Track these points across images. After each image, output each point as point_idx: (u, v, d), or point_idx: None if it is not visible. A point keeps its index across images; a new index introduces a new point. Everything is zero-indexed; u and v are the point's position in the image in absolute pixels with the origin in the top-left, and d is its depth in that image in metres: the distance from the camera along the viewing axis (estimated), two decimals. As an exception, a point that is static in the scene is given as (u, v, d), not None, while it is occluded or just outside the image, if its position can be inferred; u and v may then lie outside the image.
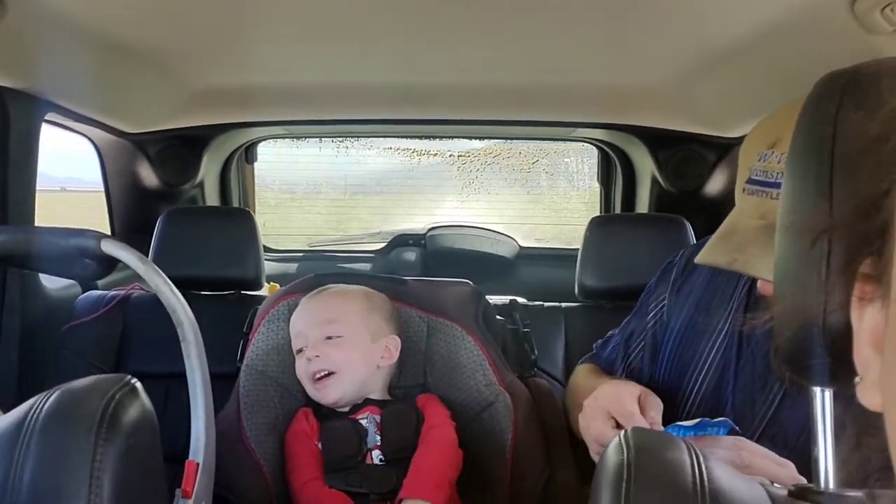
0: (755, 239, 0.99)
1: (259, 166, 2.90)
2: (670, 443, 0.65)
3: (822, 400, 0.65)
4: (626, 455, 0.63)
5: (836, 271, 0.52)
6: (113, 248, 1.08)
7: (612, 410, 1.04)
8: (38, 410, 0.60)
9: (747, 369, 1.10)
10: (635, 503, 0.60)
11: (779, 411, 1.05)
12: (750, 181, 1.03)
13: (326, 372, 1.34)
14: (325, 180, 3.23)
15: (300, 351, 1.37)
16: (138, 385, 0.66)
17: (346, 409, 1.37)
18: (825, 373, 0.60)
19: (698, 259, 1.08)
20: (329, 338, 1.35)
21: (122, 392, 0.63)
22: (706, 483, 0.60)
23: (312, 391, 1.36)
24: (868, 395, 0.43)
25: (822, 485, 0.65)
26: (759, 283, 1.05)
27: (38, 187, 1.69)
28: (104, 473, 0.57)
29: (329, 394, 1.34)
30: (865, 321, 0.42)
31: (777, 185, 0.98)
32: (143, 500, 0.64)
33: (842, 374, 0.58)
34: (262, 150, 2.87)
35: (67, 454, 0.58)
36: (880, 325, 0.41)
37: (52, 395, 0.62)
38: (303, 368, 1.36)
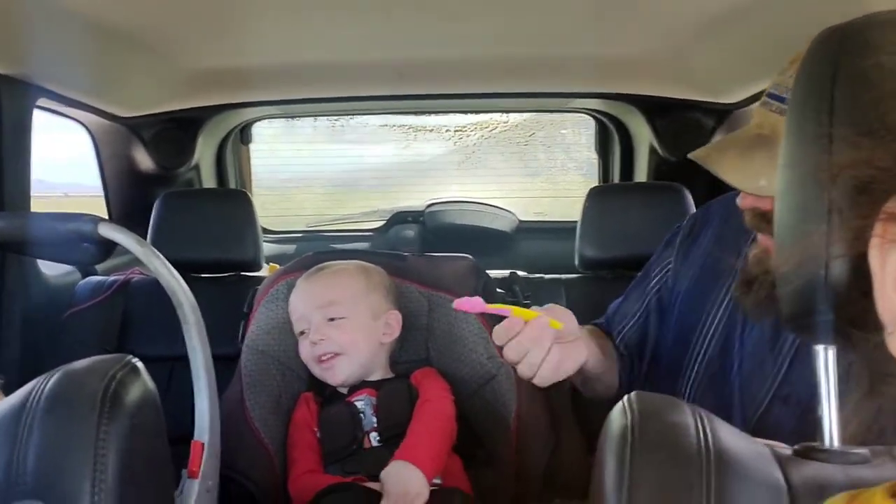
0: (739, 143, 1.01)
1: (255, 147, 2.89)
2: (673, 405, 0.65)
3: (826, 358, 0.65)
4: (629, 419, 0.63)
5: (850, 212, 0.51)
6: (110, 232, 1.08)
7: None
8: (39, 392, 0.60)
9: (755, 331, 1.08)
10: (640, 466, 0.60)
11: (790, 372, 1.03)
12: (766, 94, 1.02)
13: (332, 354, 1.33)
14: (321, 160, 3.22)
15: (302, 333, 1.36)
16: (139, 364, 0.66)
17: (345, 389, 1.37)
18: (828, 330, 0.60)
19: (691, 154, 1.07)
20: (331, 319, 1.34)
21: (122, 372, 0.63)
22: (710, 444, 0.60)
23: (318, 372, 1.35)
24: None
25: (827, 443, 0.65)
26: (738, 197, 1.02)
27: (41, 193, 1.69)
28: (108, 452, 0.57)
29: (336, 374, 1.34)
30: (891, 264, 0.40)
31: (780, 99, 0.98)
32: (148, 477, 0.64)
33: (846, 330, 0.58)
34: (257, 131, 2.86)
35: (71, 434, 0.58)
36: None
37: (52, 376, 0.62)
38: (307, 351, 1.35)
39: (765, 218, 0.98)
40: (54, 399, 0.60)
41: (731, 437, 0.63)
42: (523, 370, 1.04)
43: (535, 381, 1.05)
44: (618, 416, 0.65)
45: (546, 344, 1.02)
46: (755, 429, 0.98)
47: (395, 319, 1.39)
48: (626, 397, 0.67)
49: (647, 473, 0.60)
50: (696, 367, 1.14)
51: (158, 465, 0.67)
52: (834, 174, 0.53)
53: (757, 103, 1.04)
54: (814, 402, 1.00)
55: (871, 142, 0.51)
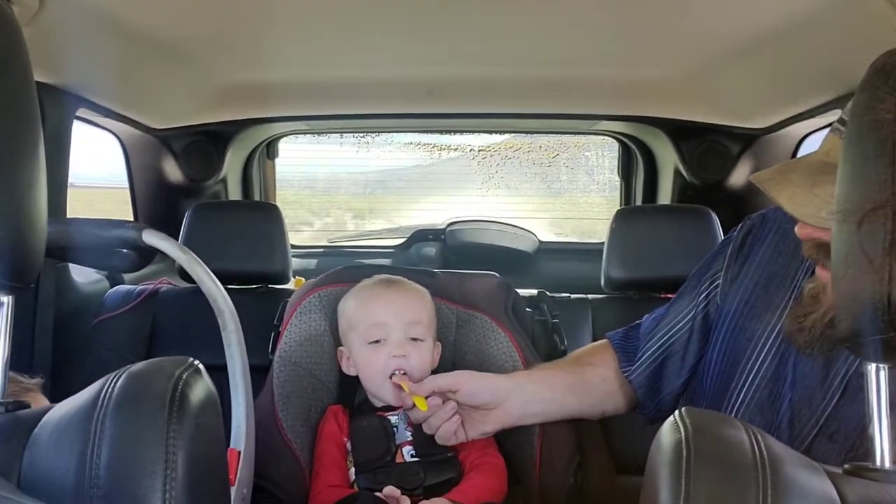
0: (804, 169, 0.96)
1: (280, 162, 2.92)
2: (726, 421, 0.66)
3: (878, 376, 0.66)
4: (682, 434, 0.64)
5: None
6: (154, 239, 1.10)
7: None
8: (110, 390, 0.62)
9: (807, 362, 1.02)
10: (696, 480, 0.60)
11: (838, 407, 0.99)
12: (838, 120, 0.97)
13: (405, 371, 1.31)
14: (345, 176, 3.25)
15: (377, 342, 1.33)
16: (201, 366, 0.68)
17: (379, 402, 1.37)
18: (880, 349, 0.61)
19: (753, 176, 1.01)
20: (414, 339, 1.34)
21: (188, 372, 0.65)
22: (766, 459, 0.61)
23: (386, 388, 1.32)
24: None
25: (878, 462, 0.66)
26: (797, 227, 0.98)
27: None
28: (178, 451, 0.59)
29: (405, 396, 1.30)
30: None
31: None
32: (212, 477, 0.65)
33: None
34: (283, 146, 2.89)
35: (142, 432, 0.59)
36: None
37: (120, 376, 0.64)
38: (382, 363, 1.32)
39: (824, 249, 0.92)
40: (125, 397, 0.61)
41: (785, 454, 0.63)
42: (424, 428, 1.24)
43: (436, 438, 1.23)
44: (670, 430, 0.65)
45: (442, 415, 1.21)
46: None
47: (437, 352, 1.40)
48: (676, 412, 0.68)
49: (703, 487, 0.60)
50: (742, 393, 1.08)
51: (219, 464, 0.68)
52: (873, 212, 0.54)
53: (827, 130, 0.99)
54: (860, 439, 0.98)
55: None
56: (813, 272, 1.04)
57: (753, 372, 1.08)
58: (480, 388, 1.21)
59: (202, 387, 0.64)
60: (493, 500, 1.28)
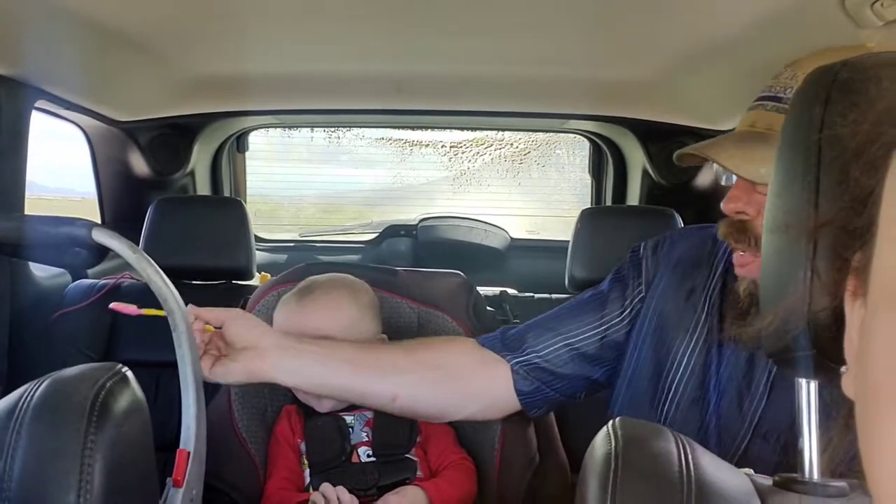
0: (732, 139, 0.99)
1: (250, 164, 2.90)
2: (657, 433, 0.66)
3: (808, 391, 0.66)
4: (613, 446, 0.64)
5: (827, 267, 0.52)
6: (103, 237, 1.08)
7: None
8: (28, 399, 0.60)
9: (730, 368, 1.06)
10: (622, 493, 0.61)
11: (767, 409, 1.02)
12: (758, 98, 1.01)
13: None
14: (316, 172, 3.23)
15: None
16: (129, 373, 0.67)
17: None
18: (810, 364, 0.61)
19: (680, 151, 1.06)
20: None
21: (112, 380, 0.64)
22: (692, 473, 0.61)
23: (303, 398, 1.32)
24: (848, 385, 0.43)
25: (807, 474, 0.66)
26: (724, 201, 1.00)
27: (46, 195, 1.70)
28: (95, 461, 0.58)
29: (323, 404, 1.31)
30: (856, 312, 0.42)
31: (777, 99, 0.96)
32: (133, 487, 0.64)
33: (826, 365, 0.59)
34: (253, 148, 2.88)
35: (58, 442, 0.58)
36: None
37: (41, 383, 0.62)
38: None
39: (743, 228, 0.97)
40: (43, 406, 0.60)
41: (713, 467, 0.64)
42: None
43: None
44: (602, 441, 0.66)
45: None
46: (736, 465, 0.98)
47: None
48: (610, 423, 0.68)
49: (628, 500, 0.60)
50: (669, 396, 1.10)
51: (144, 474, 0.67)
52: (801, 232, 0.54)
53: (748, 110, 1.03)
54: (793, 436, 1.00)
55: (826, 201, 0.53)
56: (722, 287, 1.09)
57: (675, 382, 1.10)
58: (247, 332, 1.17)
59: (127, 394, 0.63)
60: (465, 500, 1.29)
